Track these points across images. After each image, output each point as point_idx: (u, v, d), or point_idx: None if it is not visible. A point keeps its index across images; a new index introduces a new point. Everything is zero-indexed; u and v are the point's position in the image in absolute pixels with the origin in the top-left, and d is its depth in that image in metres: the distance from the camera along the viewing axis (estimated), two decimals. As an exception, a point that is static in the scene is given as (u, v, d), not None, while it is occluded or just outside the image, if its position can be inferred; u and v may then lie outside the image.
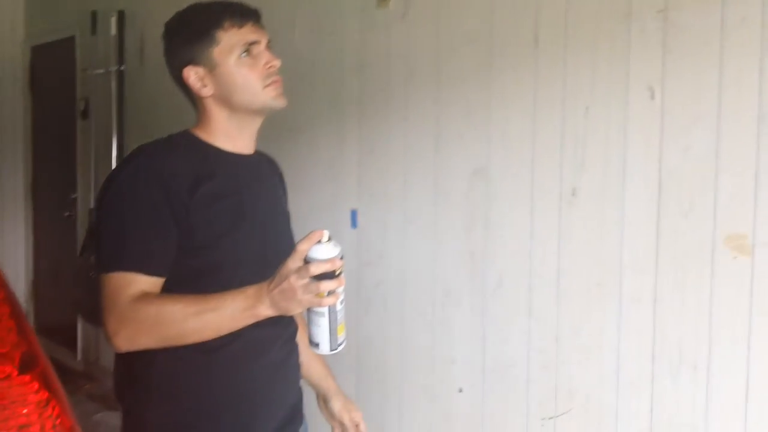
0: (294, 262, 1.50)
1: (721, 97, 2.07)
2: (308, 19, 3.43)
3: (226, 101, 1.79)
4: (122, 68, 4.89)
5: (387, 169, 3.07)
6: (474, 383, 2.77)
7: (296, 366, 1.97)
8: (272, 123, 1.88)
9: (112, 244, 1.70)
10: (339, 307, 1.54)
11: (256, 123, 1.85)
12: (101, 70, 5.07)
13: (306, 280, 1.48)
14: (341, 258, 1.50)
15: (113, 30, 4.88)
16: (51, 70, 5.97)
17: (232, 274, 1.73)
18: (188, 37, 1.81)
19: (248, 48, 1.76)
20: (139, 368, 1.78)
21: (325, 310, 1.52)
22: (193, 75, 1.80)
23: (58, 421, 1.85)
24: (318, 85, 3.37)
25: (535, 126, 2.52)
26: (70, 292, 4.95)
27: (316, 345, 1.58)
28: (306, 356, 2.01)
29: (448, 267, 2.85)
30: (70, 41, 5.51)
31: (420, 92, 2.92)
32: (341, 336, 1.58)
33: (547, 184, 2.49)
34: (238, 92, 1.78)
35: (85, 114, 5.35)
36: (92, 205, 5.08)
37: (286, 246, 1.82)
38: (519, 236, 2.59)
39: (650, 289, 2.23)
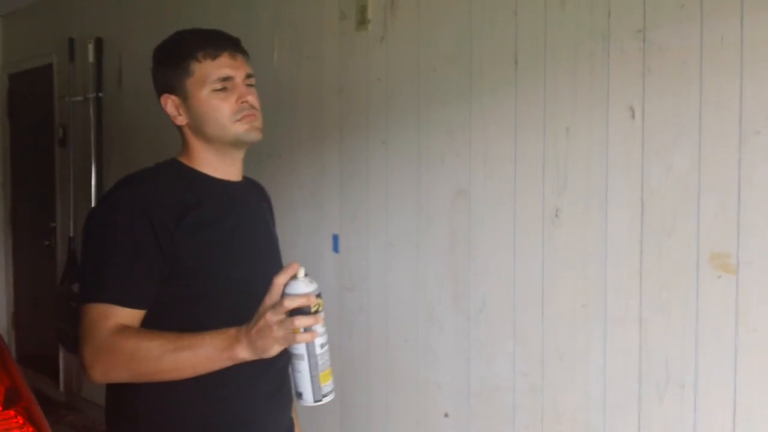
0: (270, 299, 1.47)
1: (701, 116, 2.08)
2: (287, 43, 3.43)
3: (200, 132, 1.79)
4: (100, 95, 4.87)
5: (368, 192, 3.06)
6: (459, 407, 2.74)
7: (288, 396, 1.93)
8: (252, 148, 1.86)
9: (92, 275, 1.67)
10: (320, 351, 1.48)
11: (235, 153, 1.84)
12: (79, 97, 5.05)
13: (281, 316, 1.44)
14: (318, 295, 1.46)
15: (91, 57, 4.86)
16: (29, 97, 5.95)
17: (220, 302, 1.73)
18: (166, 66, 1.81)
19: (222, 84, 1.75)
20: (127, 397, 1.75)
21: (304, 352, 1.47)
22: (170, 103, 1.80)
23: (43, 454, 1.82)
24: (298, 109, 3.36)
25: (516, 147, 2.52)
26: (51, 322, 4.92)
27: (300, 395, 1.52)
28: None
29: (431, 290, 2.83)
30: (47, 68, 5.50)
31: (400, 115, 2.91)
32: (326, 385, 1.50)
33: (530, 206, 2.48)
34: (208, 125, 1.77)
35: (63, 141, 5.32)
36: (71, 233, 5.05)
37: (275, 272, 1.80)
38: (502, 258, 2.58)
39: (635, 309, 2.22)
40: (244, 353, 1.50)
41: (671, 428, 2.16)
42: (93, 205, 4.81)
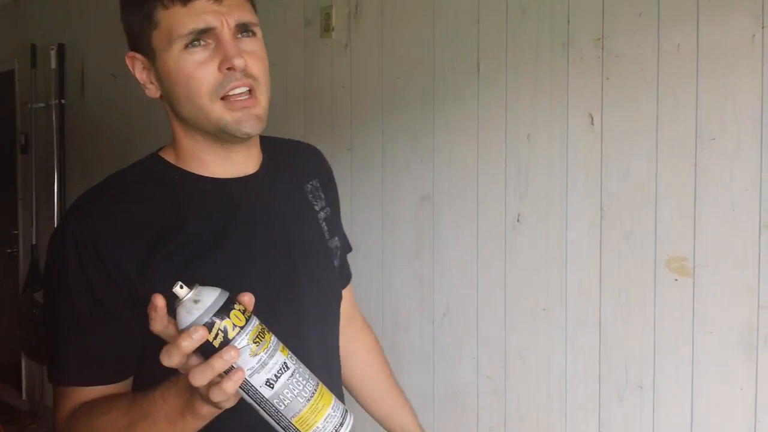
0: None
1: (658, 123, 2.12)
2: (251, 51, 3.43)
3: (175, 111, 1.25)
4: (63, 102, 4.84)
5: (333, 198, 3.07)
6: (424, 410, 2.76)
7: None
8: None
9: (48, 346, 1.24)
10: (270, 391, 0.93)
11: (230, 146, 1.26)
12: (41, 104, 5.01)
13: (186, 369, 0.95)
14: (218, 314, 0.91)
15: (53, 63, 4.83)
16: (-10, 104, 5.88)
17: None
18: (129, 11, 1.24)
19: (198, 38, 1.17)
20: None
21: (249, 400, 0.96)
22: (137, 65, 1.25)
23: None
24: (262, 115, 3.37)
25: (478, 153, 2.55)
26: (13, 331, 4.87)
27: None
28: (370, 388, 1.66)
29: (396, 295, 2.85)
30: (9, 75, 5.45)
31: (365, 122, 2.93)
32: (316, 427, 0.95)
33: (492, 211, 2.51)
34: (181, 102, 1.21)
35: (25, 149, 5.27)
36: (34, 241, 5.01)
37: (318, 281, 1.36)
38: (466, 263, 2.60)
39: (595, 312, 2.26)
40: (204, 407, 1.00)
41: (630, 428, 2.20)
42: (56, 213, 4.79)
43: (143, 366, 1.20)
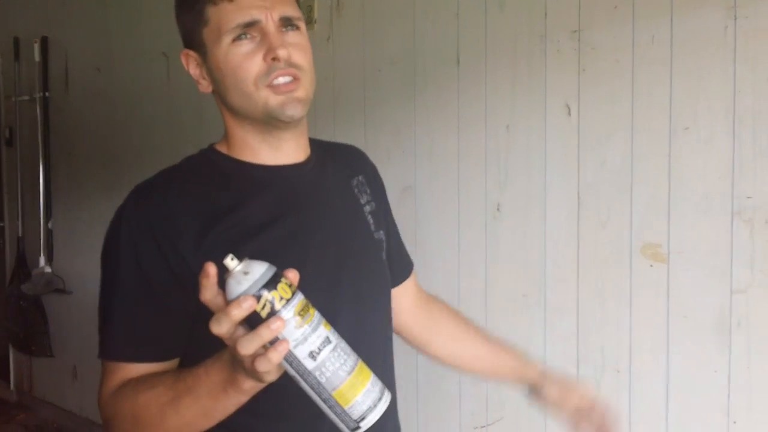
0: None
1: (633, 113, 2.16)
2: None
3: (226, 103, 1.32)
4: (47, 95, 4.84)
5: (317, 189, 3.10)
6: (407, 397, 2.81)
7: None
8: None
9: (99, 322, 1.28)
10: (313, 363, 0.96)
11: (276, 132, 1.33)
12: (26, 97, 5.01)
13: (231, 340, 0.97)
14: (265, 286, 0.95)
15: (37, 56, 4.83)
16: (-27, 97, 5.86)
17: None
18: (183, 10, 1.34)
19: (244, 31, 1.26)
20: None
21: (292, 371, 0.98)
22: (191, 62, 1.34)
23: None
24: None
25: (459, 144, 2.59)
26: (1, 323, 4.88)
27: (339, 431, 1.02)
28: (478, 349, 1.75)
29: (379, 284, 2.89)
30: (-8, 68, 5.44)
31: (347, 114, 2.96)
32: (355, 403, 0.98)
33: (473, 201, 2.56)
34: (229, 92, 1.29)
35: (10, 141, 5.27)
36: (20, 233, 5.02)
37: (366, 267, 1.43)
38: (447, 252, 2.65)
39: (573, 298, 2.31)
40: (247, 382, 1.03)
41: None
42: (41, 205, 4.80)
43: (191, 349, 1.24)
